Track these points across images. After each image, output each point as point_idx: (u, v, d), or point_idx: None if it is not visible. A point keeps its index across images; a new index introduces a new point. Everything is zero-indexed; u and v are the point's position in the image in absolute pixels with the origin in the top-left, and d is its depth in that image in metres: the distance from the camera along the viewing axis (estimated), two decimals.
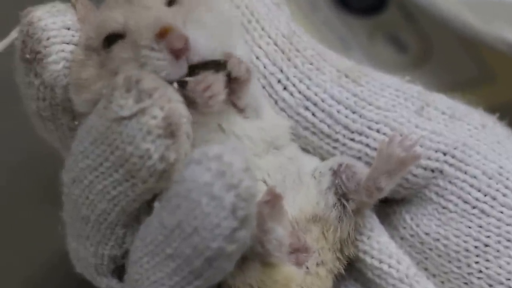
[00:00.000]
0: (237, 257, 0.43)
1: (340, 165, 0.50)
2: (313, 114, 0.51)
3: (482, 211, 0.50)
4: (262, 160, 0.48)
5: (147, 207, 0.46)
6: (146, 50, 0.45)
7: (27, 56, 0.48)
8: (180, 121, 0.43)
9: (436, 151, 0.51)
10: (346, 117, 0.51)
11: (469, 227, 0.50)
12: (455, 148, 0.51)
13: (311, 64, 0.51)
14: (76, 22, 0.49)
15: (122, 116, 0.43)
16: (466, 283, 0.50)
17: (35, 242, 0.68)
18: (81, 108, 0.48)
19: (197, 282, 0.43)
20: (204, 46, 0.45)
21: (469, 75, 0.74)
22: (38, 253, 0.68)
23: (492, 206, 0.50)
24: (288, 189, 0.49)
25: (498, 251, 0.50)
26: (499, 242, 0.50)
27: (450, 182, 0.51)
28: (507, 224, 0.50)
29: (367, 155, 0.51)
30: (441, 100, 0.53)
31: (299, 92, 0.51)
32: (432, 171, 0.51)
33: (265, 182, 0.48)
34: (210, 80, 0.45)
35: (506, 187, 0.50)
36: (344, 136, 0.51)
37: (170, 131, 0.43)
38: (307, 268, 0.48)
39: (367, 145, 0.51)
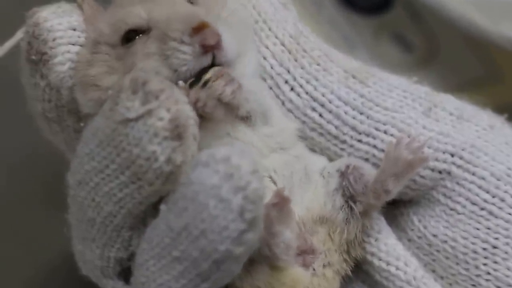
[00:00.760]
0: (245, 259, 0.43)
1: (348, 166, 0.50)
2: (320, 115, 0.51)
3: (490, 213, 0.50)
4: (267, 159, 0.48)
5: (153, 209, 0.46)
6: (174, 43, 0.45)
7: (33, 57, 0.48)
8: (187, 123, 0.43)
9: (443, 153, 0.51)
10: (354, 118, 0.51)
11: (477, 229, 0.50)
12: (463, 150, 0.51)
13: (318, 64, 0.51)
14: (82, 22, 0.49)
15: (129, 118, 0.43)
16: (474, 285, 0.50)
17: (38, 243, 0.68)
18: (87, 109, 0.48)
19: (205, 284, 0.43)
20: (231, 46, 0.46)
21: (475, 75, 0.74)
22: (41, 254, 0.68)
23: (500, 208, 0.50)
24: (296, 187, 0.48)
25: (506, 252, 0.50)
26: (507, 244, 0.50)
27: (458, 183, 0.51)
28: None
29: (374, 156, 0.51)
30: (449, 101, 0.53)
31: (306, 93, 0.51)
32: (440, 172, 0.51)
33: (271, 178, 0.48)
34: (202, 98, 0.45)
35: None
36: (351, 137, 0.51)
37: (176, 133, 0.43)
38: (314, 269, 0.48)
39: (375, 147, 0.51)
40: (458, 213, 0.51)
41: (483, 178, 0.50)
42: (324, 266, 0.48)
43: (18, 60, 0.50)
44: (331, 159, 0.51)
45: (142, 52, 0.46)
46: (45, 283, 0.68)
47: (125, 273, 0.49)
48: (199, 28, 0.45)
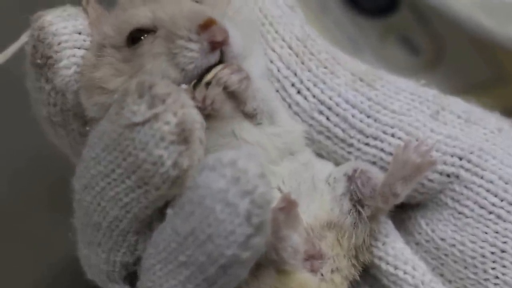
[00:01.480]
0: (252, 264, 0.43)
1: (355, 170, 0.49)
2: (328, 119, 0.51)
3: (499, 217, 0.50)
4: (277, 167, 0.48)
5: (159, 213, 0.46)
6: (182, 41, 0.45)
7: (38, 61, 0.48)
8: (193, 127, 0.43)
9: (452, 156, 0.50)
10: (361, 121, 0.51)
11: (486, 233, 0.50)
12: (471, 153, 0.51)
13: (325, 67, 0.51)
14: (87, 26, 0.49)
15: (135, 122, 0.43)
16: None
17: (43, 247, 0.68)
18: (92, 112, 0.48)
19: None
20: (239, 43, 0.46)
21: (481, 77, 0.74)
22: (46, 258, 0.68)
23: (508, 211, 0.50)
24: (303, 196, 0.48)
25: None
26: None
27: (466, 187, 0.50)
28: None
29: (382, 159, 0.51)
30: (457, 104, 0.52)
31: (313, 96, 0.51)
32: (448, 176, 0.50)
33: (279, 189, 0.48)
34: (210, 95, 0.45)
35: None
36: (358, 140, 0.51)
37: (183, 137, 0.43)
38: (322, 275, 0.48)
39: (382, 150, 0.51)
40: (466, 217, 0.50)
41: (491, 182, 0.50)
42: (332, 271, 0.48)
43: (22, 64, 0.50)
44: (338, 163, 0.51)
45: (150, 53, 0.46)
46: (50, 287, 0.68)
47: (131, 278, 0.49)
48: (206, 25, 0.45)
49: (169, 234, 0.43)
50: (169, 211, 0.44)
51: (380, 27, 0.76)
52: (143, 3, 0.48)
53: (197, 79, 0.46)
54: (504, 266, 0.49)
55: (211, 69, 0.45)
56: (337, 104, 0.51)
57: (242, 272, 0.43)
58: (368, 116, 0.51)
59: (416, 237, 0.52)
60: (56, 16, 0.49)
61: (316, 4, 0.76)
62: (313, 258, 0.47)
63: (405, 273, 0.50)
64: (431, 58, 0.75)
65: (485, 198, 0.50)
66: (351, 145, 0.51)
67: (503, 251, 0.49)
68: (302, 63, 0.51)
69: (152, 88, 0.43)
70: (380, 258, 0.50)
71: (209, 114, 0.45)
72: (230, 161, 0.41)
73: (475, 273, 0.50)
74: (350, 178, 0.49)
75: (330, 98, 0.51)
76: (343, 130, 0.51)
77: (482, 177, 0.50)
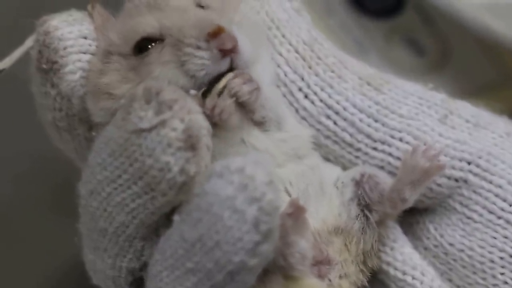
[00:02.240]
0: (259, 270, 0.42)
1: (363, 175, 0.49)
2: (335, 123, 0.50)
3: (508, 222, 0.49)
4: (283, 169, 0.48)
5: (165, 219, 0.45)
6: (190, 48, 0.45)
7: (44, 66, 0.48)
8: (200, 133, 0.43)
9: (460, 160, 0.50)
10: (369, 125, 0.50)
11: (494, 238, 0.49)
12: (479, 157, 0.50)
13: (332, 72, 0.51)
14: (93, 31, 0.49)
15: (142, 128, 0.43)
16: None
17: (48, 252, 0.67)
18: (98, 117, 0.48)
19: None
20: (248, 50, 0.46)
21: (488, 79, 0.74)
22: (51, 263, 0.68)
23: None
24: (311, 199, 0.48)
25: None
26: None
27: (474, 191, 0.50)
28: None
29: (389, 164, 0.50)
30: (465, 108, 0.52)
31: (321, 101, 0.50)
32: (456, 180, 0.50)
33: (287, 191, 0.47)
34: (220, 104, 0.45)
35: None
36: (366, 145, 0.50)
37: (190, 143, 0.42)
38: (330, 280, 0.47)
39: (390, 154, 0.50)
40: (475, 222, 0.50)
41: (500, 187, 0.50)
42: (340, 277, 0.48)
43: (27, 68, 0.50)
44: (345, 167, 0.51)
45: (158, 61, 0.46)
46: None
47: (137, 283, 0.48)
48: (216, 33, 0.45)
49: (176, 241, 0.43)
50: (176, 218, 0.44)
51: (386, 28, 0.76)
52: (148, 10, 0.48)
53: (207, 86, 0.45)
54: None
55: (221, 76, 0.45)
56: (345, 109, 0.50)
57: (249, 279, 0.42)
58: (376, 121, 0.50)
59: (424, 242, 0.51)
60: (61, 21, 0.48)
61: (321, 5, 0.76)
62: (320, 264, 0.47)
63: (413, 278, 0.49)
64: (437, 59, 0.75)
65: (494, 203, 0.50)
66: (358, 149, 0.51)
67: (511, 256, 0.49)
68: (309, 67, 0.51)
69: (159, 94, 0.43)
70: (388, 264, 0.50)
71: (216, 123, 0.45)
72: (238, 168, 0.41)
73: (484, 278, 0.50)
74: (357, 183, 0.49)
75: (338, 103, 0.50)
76: (351, 135, 0.51)
77: (490, 182, 0.50)
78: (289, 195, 0.47)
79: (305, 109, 0.50)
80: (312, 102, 0.50)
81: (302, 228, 0.45)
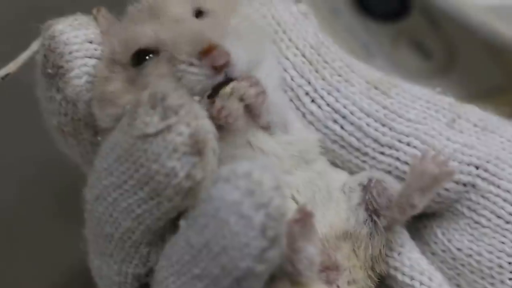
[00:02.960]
0: (266, 276, 0.42)
1: (370, 180, 0.49)
2: (342, 127, 0.50)
3: None
4: (292, 177, 0.47)
5: (172, 225, 0.45)
6: (183, 65, 0.45)
7: (49, 70, 0.48)
8: (206, 138, 0.42)
9: (468, 165, 0.50)
10: (376, 130, 0.50)
11: (503, 243, 0.49)
12: (487, 162, 0.50)
13: (339, 76, 0.51)
14: (99, 35, 0.49)
15: (147, 133, 0.42)
16: None
17: (53, 257, 0.67)
18: (104, 123, 0.47)
19: None
20: (243, 60, 0.45)
21: (495, 82, 0.73)
22: (56, 268, 0.67)
23: None
24: (318, 205, 0.48)
25: None
26: None
27: (482, 196, 0.50)
28: None
29: (397, 169, 0.50)
30: (473, 112, 0.52)
31: (328, 105, 0.50)
32: (464, 185, 0.50)
33: (294, 199, 0.47)
34: (228, 107, 0.45)
35: None
36: (373, 149, 0.50)
37: (196, 148, 0.42)
38: (338, 286, 0.47)
39: (397, 159, 0.50)
40: (483, 227, 0.50)
41: (508, 191, 0.49)
42: (348, 283, 0.47)
43: (32, 72, 0.50)
44: (352, 172, 0.51)
45: (155, 74, 0.46)
46: None
47: None
48: (206, 52, 0.44)
49: (182, 247, 0.43)
50: (182, 223, 0.43)
51: (392, 31, 0.76)
52: (149, 18, 0.47)
53: (210, 91, 0.45)
54: None
55: (222, 84, 0.45)
56: (352, 113, 0.50)
57: (256, 285, 0.42)
58: (383, 125, 0.50)
59: (432, 247, 0.51)
60: (67, 25, 0.48)
61: (327, 9, 0.76)
62: (328, 270, 0.47)
63: (421, 283, 0.49)
64: (444, 62, 0.74)
65: (502, 208, 0.49)
66: (366, 154, 0.50)
67: None
68: (316, 71, 0.50)
69: (165, 99, 0.42)
70: (395, 269, 0.49)
71: (221, 125, 0.45)
72: (245, 173, 0.40)
73: (492, 284, 0.49)
74: (365, 188, 0.49)
75: (345, 107, 0.50)
76: (358, 139, 0.50)
77: (499, 187, 0.50)
78: (296, 202, 0.47)
79: (312, 113, 0.50)
80: (319, 107, 0.50)
81: (310, 233, 0.44)
